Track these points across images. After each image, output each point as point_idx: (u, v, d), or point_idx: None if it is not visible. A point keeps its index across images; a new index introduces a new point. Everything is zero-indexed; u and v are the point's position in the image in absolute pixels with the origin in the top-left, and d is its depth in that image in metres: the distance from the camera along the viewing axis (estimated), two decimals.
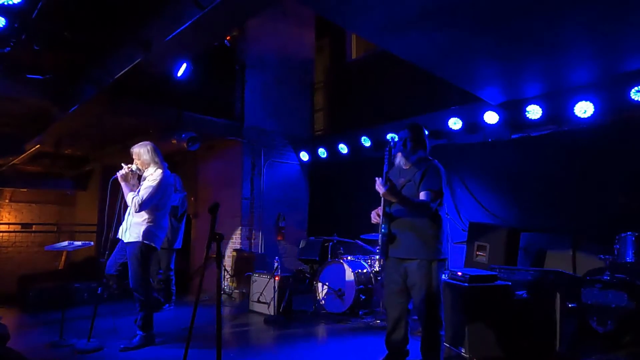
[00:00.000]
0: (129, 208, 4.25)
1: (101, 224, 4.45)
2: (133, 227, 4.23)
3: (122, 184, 4.22)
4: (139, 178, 4.37)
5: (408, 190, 3.17)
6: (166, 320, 5.53)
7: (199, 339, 4.29)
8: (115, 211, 4.29)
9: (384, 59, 7.35)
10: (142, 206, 4.14)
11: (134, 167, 4.30)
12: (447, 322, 4.05)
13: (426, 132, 3.33)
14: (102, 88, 5.53)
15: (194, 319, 2.91)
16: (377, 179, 3.03)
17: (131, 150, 4.41)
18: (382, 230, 3.21)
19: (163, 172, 4.30)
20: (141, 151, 4.34)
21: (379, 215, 3.29)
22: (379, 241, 3.31)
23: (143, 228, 4.20)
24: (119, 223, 4.36)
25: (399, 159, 3.33)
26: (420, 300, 3.10)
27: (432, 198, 3.05)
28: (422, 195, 3.08)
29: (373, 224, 3.42)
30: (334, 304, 5.71)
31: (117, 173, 4.24)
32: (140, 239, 4.18)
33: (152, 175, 4.27)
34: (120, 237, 4.32)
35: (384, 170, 3.10)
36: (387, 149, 3.15)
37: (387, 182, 3.02)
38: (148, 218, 4.23)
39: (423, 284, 3.06)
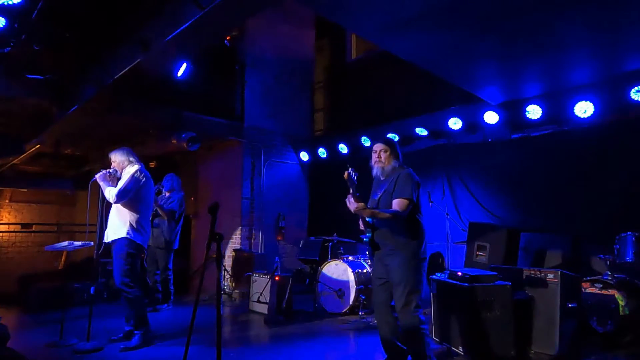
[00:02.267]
0: (111, 209, 4.35)
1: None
2: (116, 225, 4.30)
3: (101, 183, 4.33)
4: (118, 181, 4.45)
5: (385, 200, 3.40)
6: (166, 320, 5.54)
7: (199, 339, 4.29)
8: (98, 213, 4.39)
9: (384, 59, 7.34)
10: (118, 196, 4.23)
11: (111, 170, 4.47)
12: (446, 322, 4.06)
13: (398, 145, 3.59)
14: (101, 88, 5.52)
15: (194, 319, 2.91)
16: (347, 199, 3.29)
17: (109, 155, 4.59)
18: (365, 239, 3.47)
19: (139, 167, 4.44)
20: (117, 154, 4.55)
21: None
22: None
23: (127, 224, 4.27)
24: (103, 227, 4.43)
25: (376, 170, 3.56)
26: (398, 298, 3.27)
27: (403, 206, 3.26)
28: (394, 204, 3.30)
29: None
30: (334, 304, 5.71)
31: (96, 175, 4.37)
32: (124, 234, 4.24)
33: (128, 171, 4.40)
34: (105, 241, 4.38)
35: (351, 192, 3.32)
36: (345, 176, 3.34)
37: (357, 201, 3.27)
38: (130, 214, 4.30)
39: (402, 282, 3.24)
